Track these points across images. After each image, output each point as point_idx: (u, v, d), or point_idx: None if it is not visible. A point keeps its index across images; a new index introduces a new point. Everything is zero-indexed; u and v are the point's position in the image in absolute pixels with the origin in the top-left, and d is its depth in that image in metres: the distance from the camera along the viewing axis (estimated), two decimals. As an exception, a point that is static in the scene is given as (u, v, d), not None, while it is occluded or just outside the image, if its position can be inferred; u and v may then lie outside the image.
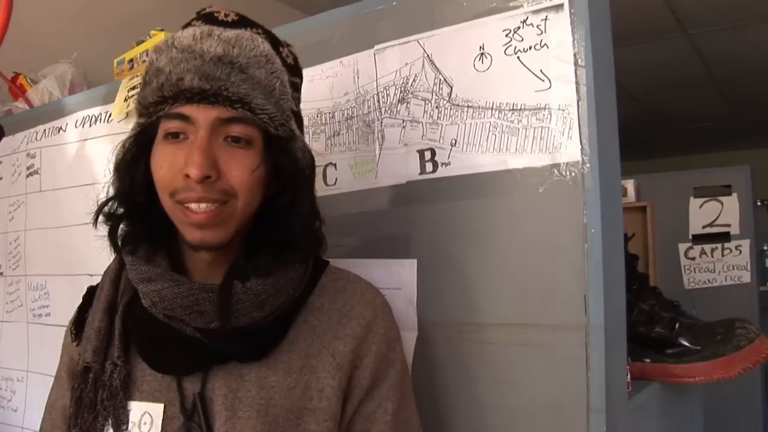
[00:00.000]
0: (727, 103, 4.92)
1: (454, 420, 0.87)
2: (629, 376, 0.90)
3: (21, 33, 1.80)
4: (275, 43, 0.79)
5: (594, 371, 0.76)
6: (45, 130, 1.55)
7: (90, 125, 1.43)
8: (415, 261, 0.91)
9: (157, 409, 0.74)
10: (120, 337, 0.77)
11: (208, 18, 0.77)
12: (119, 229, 0.78)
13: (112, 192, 0.78)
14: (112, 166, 0.78)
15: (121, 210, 0.78)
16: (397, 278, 0.92)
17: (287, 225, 0.76)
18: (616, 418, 0.77)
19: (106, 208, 0.78)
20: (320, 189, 1.00)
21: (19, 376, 1.56)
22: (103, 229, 0.78)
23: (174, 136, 0.71)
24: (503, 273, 0.84)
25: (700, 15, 3.19)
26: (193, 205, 0.70)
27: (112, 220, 0.78)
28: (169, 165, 0.71)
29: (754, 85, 4.32)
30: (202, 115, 0.70)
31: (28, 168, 1.58)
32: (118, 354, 0.76)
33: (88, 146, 1.43)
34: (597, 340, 0.76)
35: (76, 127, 1.47)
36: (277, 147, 0.74)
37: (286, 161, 0.75)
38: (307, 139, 1.03)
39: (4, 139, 1.67)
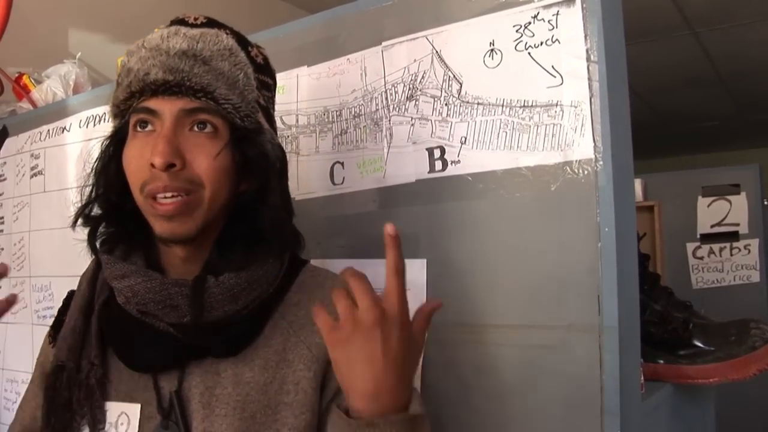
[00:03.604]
0: (734, 102, 4.89)
1: (465, 423, 0.86)
2: (642, 378, 0.89)
3: (25, 33, 1.80)
4: (243, 42, 0.80)
5: (608, 373, 0.75)
6: (49, 130, 1.54)
7: (94, 125, 1.43)
8: (425, 261, 0.90)
9: (133, 410, 0.75)
10: (96, 337, 0.78)
11: (178, 22, 0.79)
12: (98, 232, 0.80)
13: (87, 195, 0.80)
14: (89, 169, 0.80)
15: (99, 212, 0.79)
16: (406, 279, 0.91)
17: (258, 218, 0.76)
18: (630, 421, 0.76)
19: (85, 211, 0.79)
20: (327, 188, 1.00)
21: (24, 377, 1.55)
22: (83, 233, 0.79)
23: (141, 126, 0.73)
24: (515, 273, 0.82)
25: (707, 13, 3.17)
26: (160, 196, 0.71)
27: (91, 222, 0.79)
28: (137, 159, 0.73)
29: (762, 83, 4.29)
30: (167, 106, 0.72)
31: (32, 168, 1.58)
32: (95, 353, 0.77)
33: (92, 146, 1.42)
34: (611, 341, 0.75)
35: (80, 127, 1.46)
36: (244, 138, 0.75)
37: (253, 152, 0.76)
38: (314, 137, 1.02)
39: (8, 140, 1.67)
